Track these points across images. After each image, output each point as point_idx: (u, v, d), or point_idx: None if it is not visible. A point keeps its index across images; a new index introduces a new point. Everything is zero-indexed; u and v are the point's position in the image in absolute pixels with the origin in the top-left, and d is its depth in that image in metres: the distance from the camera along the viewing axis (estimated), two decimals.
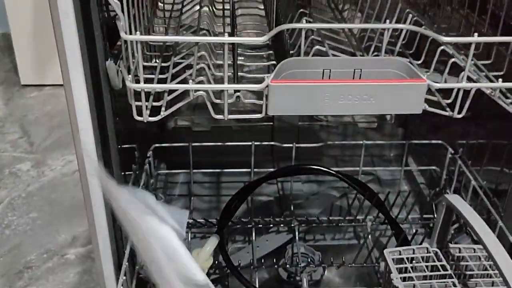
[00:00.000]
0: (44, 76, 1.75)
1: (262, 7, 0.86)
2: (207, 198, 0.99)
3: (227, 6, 0.82)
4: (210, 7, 0.83)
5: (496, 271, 0.59)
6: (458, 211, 0.60)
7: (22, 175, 1.36)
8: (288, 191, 0.97)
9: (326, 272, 0.82)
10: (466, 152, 0.87)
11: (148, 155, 0.85)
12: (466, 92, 0.56)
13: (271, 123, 1.07)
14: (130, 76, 0.54)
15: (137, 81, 0.53)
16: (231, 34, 0.60)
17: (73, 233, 1.17)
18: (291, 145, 0.89)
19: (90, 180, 0.59)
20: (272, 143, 0.93)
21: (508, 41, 0.60)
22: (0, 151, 1.45)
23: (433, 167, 0.96)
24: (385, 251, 0.67)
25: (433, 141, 0.91)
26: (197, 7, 0.79)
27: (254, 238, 0.85)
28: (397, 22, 0.69)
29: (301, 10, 0.75)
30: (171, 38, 0.58)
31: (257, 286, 0.78)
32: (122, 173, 0.69)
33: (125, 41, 0.52)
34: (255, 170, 0.91)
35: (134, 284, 0.70)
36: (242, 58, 0.68)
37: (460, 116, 0.57)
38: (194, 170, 0.92)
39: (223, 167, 1.00)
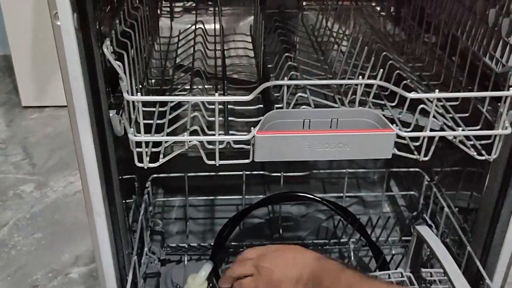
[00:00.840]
0: (45, 98, 1.82)
1: (251, 48, 0.93)
2: (202, 221, 1.06)
3: (218, 47, 0.89)
4: (203, 48, 0.90)
5: None
6: (426, 241, 0.67)
7: (26, 196, 1.42)
8: (278, 214, 1.04)
9: None
10: (441, 178, 0.94)
11: (147, 185, 0.92)
12: (432, 137, 0.63)
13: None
14: (132, 129, 0.60)
15: (138, 132, 0.60)
16: (223, 80, 0.67)
17: (76, 252, 1.23)
18: (279, 174, 0.96)
19: (95, 218, 0.66)
20: (262, 172, 1.00)
21: (465, 96, 0.67)
22: (4, 173, 1.51)
23: (412, 192, 1.03)
24: None
25: (411, 169, 0.98)
26: (191, 50, 0.87)
27: None
28: (375, 63, 0.76)
29: (287, 54, 0.82)
30: (167, 98, 0.65)
31: None
32: (123, 201, 0.75)
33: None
34: (247, 197, 0.98)
35: None
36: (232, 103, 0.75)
37: (426, 159, 0.64)
38: (190, 198, 0.98)
39: (217, 190, 1.07)
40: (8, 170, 1.53)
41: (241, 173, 0.96)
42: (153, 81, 0.89)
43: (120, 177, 0.73)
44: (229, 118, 0.71)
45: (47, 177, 1.49)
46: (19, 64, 1.79)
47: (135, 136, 0.59)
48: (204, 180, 1.05)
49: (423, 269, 0.75)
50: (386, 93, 0.80)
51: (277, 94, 0.75)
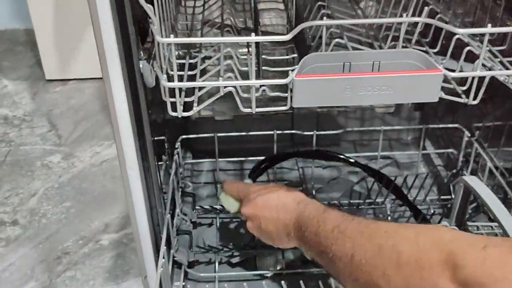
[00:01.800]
0: (68, 71, 1.81)
1: (281, 1, 0.89)
2: None
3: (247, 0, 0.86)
4: (231, 3, 0.86)
5: None
6: (475, 191, 0.63)
7: (54, 166, 1.42)
8: (309, 176, 1.01)
9: None
10: (482, 134, 0.90)
11: (176, 146, 0.90)
12: (481, 79, 0.59)
13: (291, 111, 1.11)
14: (164, 75, 0.58)
15: (170, 80, 0.57)
16: (255, 32, 0.64)
17: (105, 220, 1.23)
18: (311, 133, 0.93)
19: (129, 172, 0.64)
20: (293, 131, 0.97)
21: None
22: (31, 144, 1.51)
23: (450, 150, 0.99)
24: None
25: (450, 125, 0.94)
26: (219, 3, 0.83)
27: None
28: (414, 10, 0.72)
29: (319, 2, 0.78)
30: (202, 39, 0.63)
31: (284, 265, 0.83)
32: (156, 163, 0.74)
33: (158, 43, 0.57)
34: None
35: (170, 266, 0.75)
36: (265, 51, 0.72)
37: (475, 102, 0.60)
38: (219, 159, 0.96)
39: (246, 155, 1.05)
40: (35, 141, 1.53)
41: (271, 132, 0.93)
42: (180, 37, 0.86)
43: (153, 138, 0.71)
44: (263, 68, 0.68)
45: (73, 148, 1.49)
46: (42, 38, 1.78)
47: (168, 82, 0.57)
48: (233, 143, 1.02)
49: (469, 223, 0.71)
50: (427, 40, 0.76)
51: (312, 43, 0.72)
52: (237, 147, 1.04)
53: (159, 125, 0.87)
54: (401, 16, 0.63)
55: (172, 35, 0.54)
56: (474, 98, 0.60)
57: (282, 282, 0.80)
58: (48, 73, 1.83)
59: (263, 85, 0.60)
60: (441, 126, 0.96)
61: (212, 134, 0.94)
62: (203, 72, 0.66)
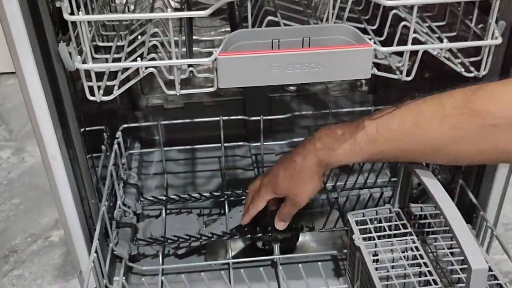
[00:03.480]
0: None
1: None
2: (182, 175, 1.00)
3: None
4: None
5: None
6: (414, 172, 0.62)
7: (3, 162, 1.37)
8: (261, 163, 0.99)
9: (300, 238, 0.85)
10: None
11: (117, 135, 0.86)
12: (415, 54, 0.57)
13: (243, 97, 1.08)
14: (79, 57, 0.54)
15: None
16: (182, 9, 0.61)
17: (56, 216, 1.18)
18: (258, 118, 0.90)
19: (52, 162, 0.61)
20: (241, 117, 0.94)
21: (451, 1, 0.61)
22: None
23: None
24: (348, 214, 0.69)
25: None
26: None
27: (227, 210, 0.87)
28: None
29: None
30: (112, 16, 0.59)
31: (230, 255, 0.81)
32: (89, 156, 0.70)
33: (72, 22, 0.53)
34: (226, 144, 0.93)
35: (108, 260, 0.72)
36: (199, 32, 0.69)
37: (409, 78, 0.58)
38: (166, 148, 0.93)
39: (197, 143, 1.01)
40: None
41: (218, 119, 0.90)
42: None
43: (83, 128, 0.67)
44: (196, 49, 0.65)
45: (24, 142, 1.44)
46: None
47: (82, 64, 0.53)
48: (183, 131, 0.99)
49: (412, 204, 0.70)
50: (367, 17, 0.74)
51: (246, 24, 0.69)
52: (187, 136, 1.01)
53: (98, 115, 0.83)
54: None
55: (81, 12, 0.50)
56: (408, 74, 0.58)
57: (231, 272, 0.78)
58: None
59: (191, 66, 0.57)
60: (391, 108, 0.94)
61: (155, 123, 0.90)
62: (132, 54, 0.62)
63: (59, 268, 1.06)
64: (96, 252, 0.65)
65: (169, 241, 0.81)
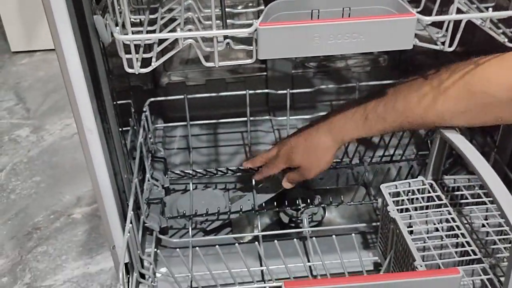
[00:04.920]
0: (34, 42, 1.74)
1: None
2: (206, 150, 1.00)
3: None
4: None
5: (490, 198, 0.60)
6: (451, 142, 0.61)
7: (22, 141, 1.37)
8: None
9: (326, 213, 0.85)
10: None
11: (144, 109, 0.86)
12: (457, 25, 0.56)
13: (265, 73, 1.07)
14: (118, 28, 0.53)
15: (126, 34, 0.53)
16: None
17: (77, 193, 1.19)
18: (285, 91, 0.89)
19: (88, 136, 0.60)
20: (267, 90, 0.94)
21: None
22: None
23: None
24: (381, 186, 0.69)
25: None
26: None
27: (254, 184, 0.86)
28: None
29: None
30: None
31: (260, 230, 0.81)
32: (120, 129, 0.70)
33: None
34: (251, 118, 0.92)
35: (141, 233, 0.72)
36: (232, 5, 0.67)
37: (451, 49, 0.57)
38: (191, 122, 0.92)
39: (219, 119, 1.01)
40: (2, 116, 1.47)
41: (244, 92, 0.89)
42: None
43: (114, 102, 0.67)
44: (229, 21, 0.63)
45: (42, 120, 1.44)
46: (5, 9, 1.70)
47: (121, 35, 0.52)
48: (205, 108, 0.98)
49: (445, 176, 0.69)
50: None
51: None
52: (210, 111, 1.00)
53: (125, 90, 0.82)
54: None
55: None
56: (450, 45, 0.57)
57: (258, 245, 0.78)
58: (13, 45, 1.76)
59: (227, 38, 0.56)
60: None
61: (182, 96, 0.89)
62: (165, 27, 0.61)
63: (83, 245, 1.07)
64: (131, 223, 0.66)
65: (197, 215, 0.81)
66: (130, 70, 0.55)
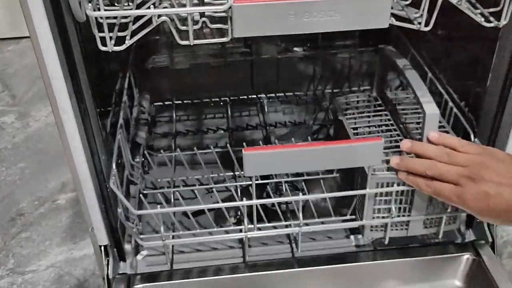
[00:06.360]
0: (20, 29, 1.72)
1: None
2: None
3: None
4: None
5: None
6: (391, 58, 0.70)
7: (7, 127, 1.36)
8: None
9: None
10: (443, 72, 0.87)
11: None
12: (434, 5, 0.55)
13: (250, 58, 1.06)
14: (90, 4, 0.53)
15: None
16: None
17: (62, 179, 1.19)
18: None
19: (63, 117, 0.60)
20: None
21: None
22: None
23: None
24: (335, 99, 0.81)
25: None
26: None
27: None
28: None
29: None
30: None
31: None
32: (97, 110, 0.69)
33: None
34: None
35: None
36: None
37: (427, 28, 0.57)
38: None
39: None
40: None
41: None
42: None
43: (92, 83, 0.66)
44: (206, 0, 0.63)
45: (28, 107, 1.43)
46: None
47: (93, 11, 0.52)
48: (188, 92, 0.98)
49: (388, 92, 0.79)
50: None
51: None
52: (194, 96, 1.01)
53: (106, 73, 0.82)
54: None
55: None
56: (426, 25, 0.57)
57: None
58: None
59: (203, 17, 0.56)
60: None
61: None
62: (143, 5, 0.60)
63: (67, 231, 1.06)
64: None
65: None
66: (103, 48, 0.54)
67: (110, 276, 0.69)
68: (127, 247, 0.74)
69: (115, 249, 0.71)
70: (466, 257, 0.73)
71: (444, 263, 0.73)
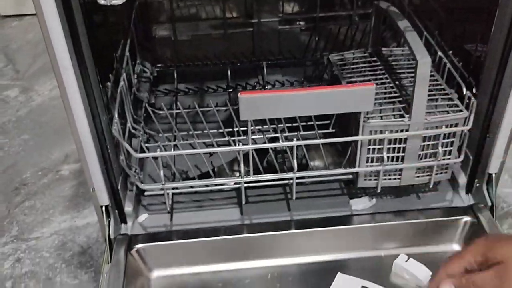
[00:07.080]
0: (23, 6, 1.72)
1: None
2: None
3: None
4: None
5: None
6: (386, 12, 0.71)
7: (11, 101, 1.37)
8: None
9: None
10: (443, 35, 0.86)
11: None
12: None
13: (251, 29, 1.06)
14: None
15: None
16: None
17: (66, 151, 1.20)
18: None
19: (64, 74, 0.61)
20: None
21: None
22: None
23: None
24: (330, 56, 0.80)
25: None
26: None
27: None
28: None
29: None
30: None
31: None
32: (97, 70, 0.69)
33: None
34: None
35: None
36: None
37: None
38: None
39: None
40: None
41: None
42: None
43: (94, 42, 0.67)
44: None
45: (31, 81, 1.43)
46: None
47: None
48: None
49: (383, 48, 0.80)
50: None
51: None
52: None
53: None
54: None
55: None
56: None
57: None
58: (3, 9, 1.74)
59: None
60: None
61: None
62: None
63: (70, 200, 1.08)
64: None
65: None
66: (102, 2, 0.55)
67: (112, 237, 0.71)
68: (128, 209, 0.75)
69: (116, 211, 0.72)
70: (465, 220, 0.73)
71: (443, 226, 0.73)
